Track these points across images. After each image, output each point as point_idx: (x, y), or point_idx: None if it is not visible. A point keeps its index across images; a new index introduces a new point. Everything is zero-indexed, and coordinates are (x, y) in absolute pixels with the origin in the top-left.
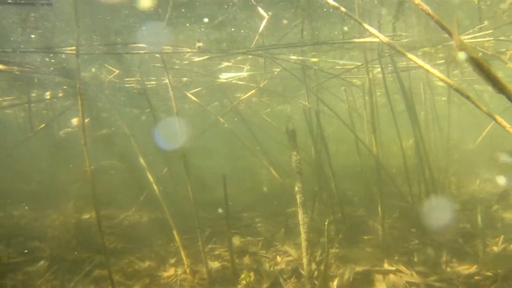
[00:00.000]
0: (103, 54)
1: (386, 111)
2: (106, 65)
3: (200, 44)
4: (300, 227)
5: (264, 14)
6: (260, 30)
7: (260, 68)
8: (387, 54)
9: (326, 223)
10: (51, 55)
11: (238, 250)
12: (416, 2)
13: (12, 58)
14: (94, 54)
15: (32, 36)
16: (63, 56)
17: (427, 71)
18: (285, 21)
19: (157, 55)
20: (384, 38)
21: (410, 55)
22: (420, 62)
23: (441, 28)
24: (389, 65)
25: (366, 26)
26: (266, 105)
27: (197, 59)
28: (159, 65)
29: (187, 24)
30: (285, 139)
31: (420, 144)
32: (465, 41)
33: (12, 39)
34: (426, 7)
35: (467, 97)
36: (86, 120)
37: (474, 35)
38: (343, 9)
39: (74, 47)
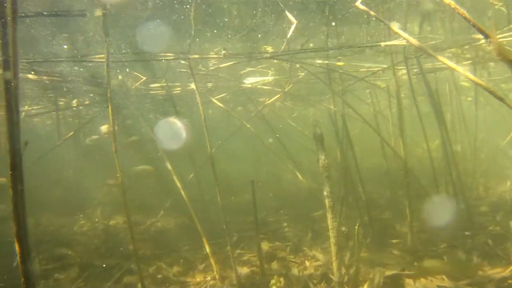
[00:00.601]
0: (131, 61)
1: (409, 113)
2: (132, 72)
3: (225, 51)
4: (328, 231)
5: (293, 19)
6: (288, 36)
7: (285, 72)
8: (413, 56)
9: (356, 227)
10: (81, 64)
11: (266, 255)
12: (453, 6)
13: (42, 68)
14: (123, 62)
15: (65, 46)
16: (89, 64)
17: (459, 72)
18: (311, 25)
19: (183, 62)
20: (414, 41)
21: (441, 58)
22: (452, 64)
23: (479, 32)
24: (415, 66)
25: (397, 29)
26: (289, 109)
27: (223, 64)
28: (184, 70)
29: (215, 31)
30: (310, 143)
31: (447, 145)
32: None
33: (45, 50)
34: (462, 10)
35: (501, 99)
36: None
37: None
38: (372, 13)
39: (103, 55)
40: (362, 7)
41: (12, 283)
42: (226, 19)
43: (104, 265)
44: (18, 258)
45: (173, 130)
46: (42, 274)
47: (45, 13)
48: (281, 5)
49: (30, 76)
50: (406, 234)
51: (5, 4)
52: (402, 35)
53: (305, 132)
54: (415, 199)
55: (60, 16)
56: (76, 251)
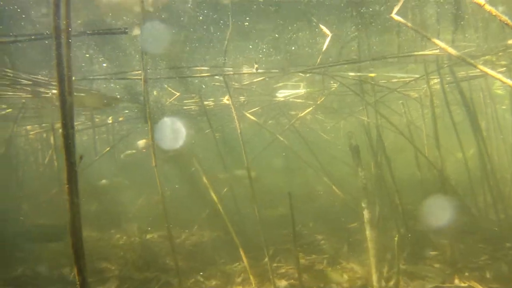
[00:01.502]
0: (167, 77)
1: (442, 122)
2: (167, 88)
3: (257, 65)
4: (364, 243)
5: (327, 31)
6: (324, 49)
7: (317, 85)
8: (446, 65)
9: (396, 238)
10: (117, 81)
11: (303, 268)
12: (494, 14)
13: (81, 85)
14: (159, 78)
15: (104, 65)
16: (123, 81)
17: (501, 81)
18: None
19: (217, 77)
20: (452, 51)
21: (481, 66)
22: (493, 72)
23: None
24: (448, 75)
25: (434, 39)
26: (320, 121)
27: (257, 79)
28: (218, 84)
29: (250, 46)
30: (342, 155)
31: (483, 154)
32: None
33: (83, 69)
34: (504, 17)
35: None
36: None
37: None
38: (409, 24)
39: (140, 72)
40: (397, 18)
41: None
42: (261, 33)
43: (142, 278)
44: (75, 270)
45: (173, 132)
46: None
47: (88, 32)
48: (314, 19)
49: None
50: (444, 246)
51: (60, 26)
52: (440, 45)
53: (337, 144)
54: (452, 210)
55: (102, 34)
56: (114, 264)
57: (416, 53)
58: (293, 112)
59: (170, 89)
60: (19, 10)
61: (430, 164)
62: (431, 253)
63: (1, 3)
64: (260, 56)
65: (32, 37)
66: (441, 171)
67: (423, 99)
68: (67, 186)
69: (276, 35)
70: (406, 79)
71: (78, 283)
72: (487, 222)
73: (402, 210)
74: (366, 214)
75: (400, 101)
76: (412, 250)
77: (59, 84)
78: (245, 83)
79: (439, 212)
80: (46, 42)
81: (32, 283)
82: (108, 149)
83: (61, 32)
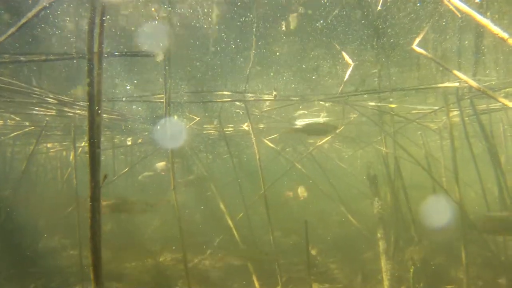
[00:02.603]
0: (190, 102)
1: (459, 155)
2: (187, 113)
3: (276, 92)
4: (379, 274)
5: (350, 61)
6: (345, 78)
7: (336, 114)
8: (466, 97)
9: (411, 270)
10: (139, 103)
11: None
12: None
13: (103, 106)
14: (181, 101)
15: (128, 87)
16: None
17: None
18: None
19: (238, 103)
20: (473, 83)
21: (501, 99)
22: None
23: None
24: (468, 108)
25: (456, 72)
26: (337, 150)
27: (277, 106)
28: (239, 111)
29: (271, 74)
30: (358, 184)
31: (503, 188)
32: None
33: (108, 91)
34: None
35: None
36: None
37: None
38: (430, 56)
39: (162, 95)
40: (419, 49)
41: None
42: (282, 61)
43: None
44: (92, 285)
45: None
46: None
47: (116, 53)
48: (338, 46)
49: None
50: (462, 280)
51: (93, 49)
52: (461, 77)
53: (353, 173)
54: (471, 244)
55: (129, 56)
56: (126, 285)
57: (436, 85)
58: (311, 140)
59: (190, 114)
60: (48, 30)
61: (448, 196)
62: (447, 286)
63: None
64: (280, 84)
65: (58, 56)
66: (460, 204)
67: (442, 130)
68: (90, 203)
69: (298, 64)
70: (426, 111)
71: None
72: (506, 258)
73: (418, 242)
74: (381, 244)
75: (419, 132)
76: (427, 283)
77: (90, 104)
78: (265, 109)
79: (456, 246)
80: (74, 62)
81: None
82: (126, 169)
83: (93, 55)
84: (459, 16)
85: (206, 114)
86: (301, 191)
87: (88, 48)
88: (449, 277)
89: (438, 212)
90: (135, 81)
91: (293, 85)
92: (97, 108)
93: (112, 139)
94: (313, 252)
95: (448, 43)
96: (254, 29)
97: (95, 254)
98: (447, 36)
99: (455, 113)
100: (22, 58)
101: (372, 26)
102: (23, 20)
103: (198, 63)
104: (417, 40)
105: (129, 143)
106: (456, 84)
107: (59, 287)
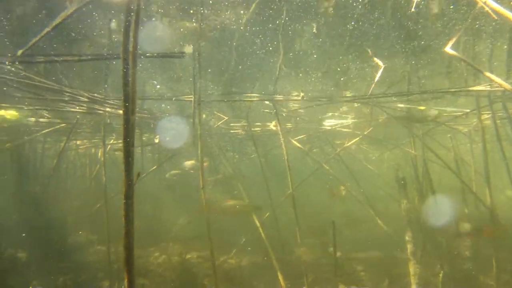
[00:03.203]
0: (218, 101)
1: (490, 158)
2: (216, 112)
3: (303, 93)
4: (406, 278)
5: (380, 63)
6: (376, 79)
7: (364, 116)
8: (499, 100)
9: (440, 274)
10: (168, 102)
11: None
12: None
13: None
14: (210, 101)
15: (158, 86)
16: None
17: None
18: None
19: (267, 102)
20: (507, 86)
21: None
22: None
23: None
24: (500, 111)
25: (489, 74)
26: (364, 152)
27: (306, 106)
28: (268, 111)
29: (300, 75)
30: (385, 186)
31: None
32: None
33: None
34: None
35: None
36: (205, 164)
37: None
38: (463, 57)
39: (192, 95)
40: (452, 52)
41: None
42: (312, 62)
43: None
44: (125, 282)
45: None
46: None
47: (147, 54)
48: (369, 50)
49: (121, 112)
50: (492, 287)
51: (128, 49)
52: (494, 79)
53: (380, 175)
54: (502, 249)
55: (161, 57)
56: (153, 282)
57: (468, 88)
58: (338, 142)
59: (218, 113)
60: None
61: (478, 200)
62: None
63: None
64: (308, 85)
65: (91, 56)
66: (491, 208)
67: (472, 133)
68: (124, 200)
69: (326, 65)
70: (456, 113)
71: None
72: None
73: (447, 246)
74: (409, 247)
75: (449, 135)
76: None
77: (125, 103)
78: (293, 109)
79: (486, 252)
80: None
81: None
82: (154, 167)
83: (129, 55)
84: (495, 18)
85: (234, 113)
86: (341, 190)
87: (124, 48)
88: (478, 283)
89: (466, 216)
90: (164, 80)
91: (321, 87)
92: (132, 107)
93: (140, 137)
94: (339, 253)
95: (481, 46)
96: (282, 30)
97: (128, 250)
98: (480, 38)
99: (487, 116)
100: (56, 58)
101: (404, 28)
102: (57, 21)
103: (228, 63)
104: (451, 43)
105: (156, 141)
106: (488, 88)
107: (87, 282)
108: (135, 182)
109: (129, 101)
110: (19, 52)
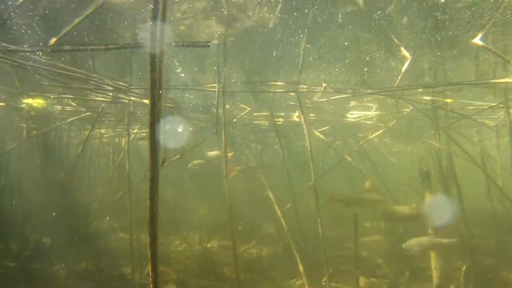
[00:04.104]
0: (242, 91)
1: None
2: (239, 103)
3: (326, 84)
4: (426, 272)
5: (407, 54)
6: (403, 70)
7: (388, 108)
8: None
9: (463, 268)
10: (192, 91)
11: None
12: None
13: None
14: (234, 91)
15: (182, 75)
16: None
17: None
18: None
19: (291, 94)
20: None
21: None
22: None
23: None
24: None
25: None
26: (387, 145)
27: (331, 98)
28: (292, 103)
29: (324, 64)
30: (408, 179)
31: None
32: None
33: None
34: None
35: None
36: (230, 154)
37: None
38: (492, 49)
39: (215, 85)
40: (480, 43)
41: None
42: (335, 53)
43: (199, 285)
44: (149, 266)
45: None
46: (140, 287)
47: (173, 43)
48: (396, 40)
49: (145, 101)
50: None
51: (156, 37)
52: None
53: (403, 168)
54: None
55: (187, 46)
56: (173, 269)
57: (496, 80)
58: (361, 134)
59: (241, 104)
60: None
61: (503, 196)
62: None
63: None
64: (331, 76)
65: (118, 45)
66: None
67: (499, 128)
68: (149, 184)
69: (351, 55)
70: (483, 107)
71: (151, 278)
72: None
73: (469, 241)
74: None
75: (474, 129)
76: (477, 284)
77: (151, 90)
78: (317, 100)
79: (510, 247)
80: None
81: (94, 278)
82: (177, 156)
83: (156, 43)
84: None
85: (257, 104)
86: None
87: (151, 35)
88: (501, 279)
89: (492, 211)
90: (190, 70)
91: (345, 78)
92: (158, 93)
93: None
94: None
95: (510, 38)
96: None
97: (153, 235)
98: (510, 30)
99: None
100: (83, 47)
101: (431, 18)
102: (89, 11)
103: (252, 53)
104: (480, 34)
105: (180, 130)
106: None
107: (109, 268)
108: (160, 167)
109: (155, 88)
110: (53, 40)
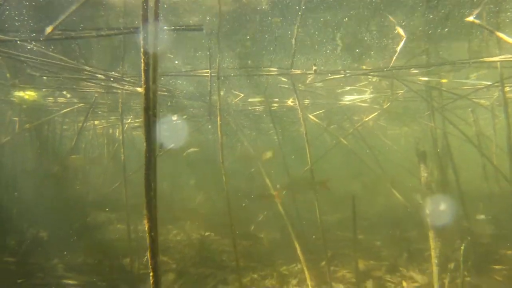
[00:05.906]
0: (237, 75)
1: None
2: (232, 88)
3: (315, 67)
4: (425, 252)
5: (402, 33)
6: (398, 50)
7: (383, 90)
8: None
9: (462, 247)
10: (186, 78)
11: (361, 274)
12: None
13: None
14: (227, 76)
15: (176, 62)
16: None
17: None
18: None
19: (283, 78)
20: None
21: None
22: None
23: None
24: None
25: None
26: (382, 128)
27: (326, 78)
28: (286, 86)
29: (316, 46)
30: (404, 161)
31: None
32: None
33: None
34: None
35: None
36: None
37: None
38: (488, 27)
39: (208, 70)
40: (475, 21)
41: None
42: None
43: (198, 273)
44: (148, 254)
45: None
46: (140, 277)
47: (165, 27)
48: (392, 19)
49: (139, 89)
50: None
51: (148, 18)
52: None
53: (398, 150)
54: None
55: (178, 30)
56: (172, 258)
57: (491, 58)
58: (356, 118)
59: (235, 91)
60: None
61: (499, 175)
62: (495, 266)
63: None
64: (322, 58)
65: (109, 31)
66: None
67: (494, 107)
68: (145, 171)
69: (342, 36)
70: (478, 86)
71: (150, 266)
72: None
73: (467, 221)
74: (429, 221)
75: (470, 109)
76: (475, 262)
77: (145, 71)
78: (309, 83)
79: (506, 226)
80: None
81: (94, 270)
82: (172, 145)
83: (148, 24)
84: None
85: (251, 90)
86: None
87: (143, 18)
88: (498, 257)
89: (488, 191)
90: (182, 56)
91: (337, 60)
92: (153, 75)
93: (158, 115)
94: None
95: (505, 15)
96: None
97: (151, 221)
98: (506, 6)
99: (509, 88)
100: (73, 34)
101: None
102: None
103: (244, 37)
104: (476, 12)
105: (174, 118)
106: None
107: (107, 259)
108: (158, 153)
109: (149, 69)
110: (49, 28)
